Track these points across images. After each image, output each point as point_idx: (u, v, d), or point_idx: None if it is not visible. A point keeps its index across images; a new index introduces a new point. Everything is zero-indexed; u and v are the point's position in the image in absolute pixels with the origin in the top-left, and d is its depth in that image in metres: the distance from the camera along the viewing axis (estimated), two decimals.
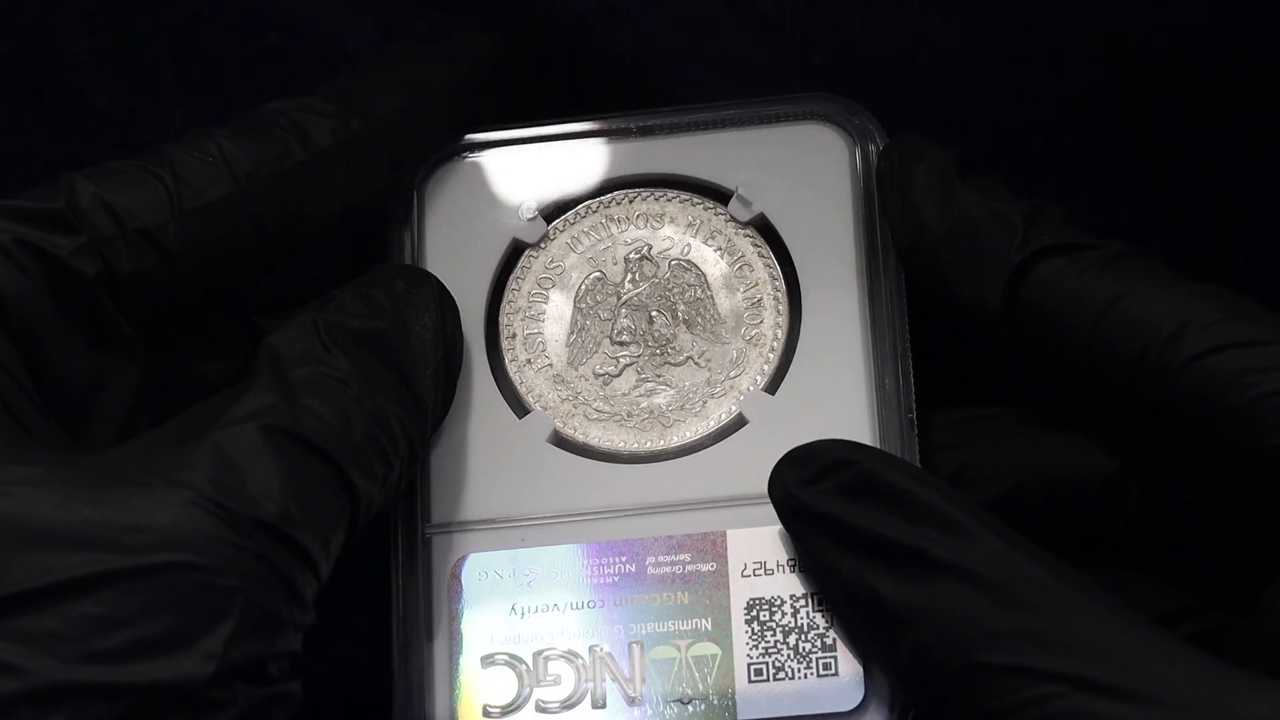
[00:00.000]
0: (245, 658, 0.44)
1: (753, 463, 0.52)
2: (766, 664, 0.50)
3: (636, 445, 0.54)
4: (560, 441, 0.54)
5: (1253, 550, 0.50)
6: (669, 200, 0.56)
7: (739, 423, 0.54)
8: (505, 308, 0.56)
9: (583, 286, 0.56)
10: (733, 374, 0.54)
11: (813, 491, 0.49)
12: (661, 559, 0.52)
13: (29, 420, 0.47)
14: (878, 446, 0.52)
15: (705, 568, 0.52)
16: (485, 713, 0.51)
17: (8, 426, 0.46)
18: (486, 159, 0.57)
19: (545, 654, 0.51)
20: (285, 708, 0.45)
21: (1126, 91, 0.59)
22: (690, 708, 0.50)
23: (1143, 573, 0.53)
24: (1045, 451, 0.53)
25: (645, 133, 0.56)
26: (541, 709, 0.51)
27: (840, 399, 0.53)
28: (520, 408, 0.54)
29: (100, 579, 0.43)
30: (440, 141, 0.56)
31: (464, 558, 0.52)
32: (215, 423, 0.47)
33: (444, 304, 0.53)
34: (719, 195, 0.56)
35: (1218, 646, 0.47)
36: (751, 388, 0.54)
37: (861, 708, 0.50)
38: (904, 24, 0.59)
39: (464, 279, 0.55)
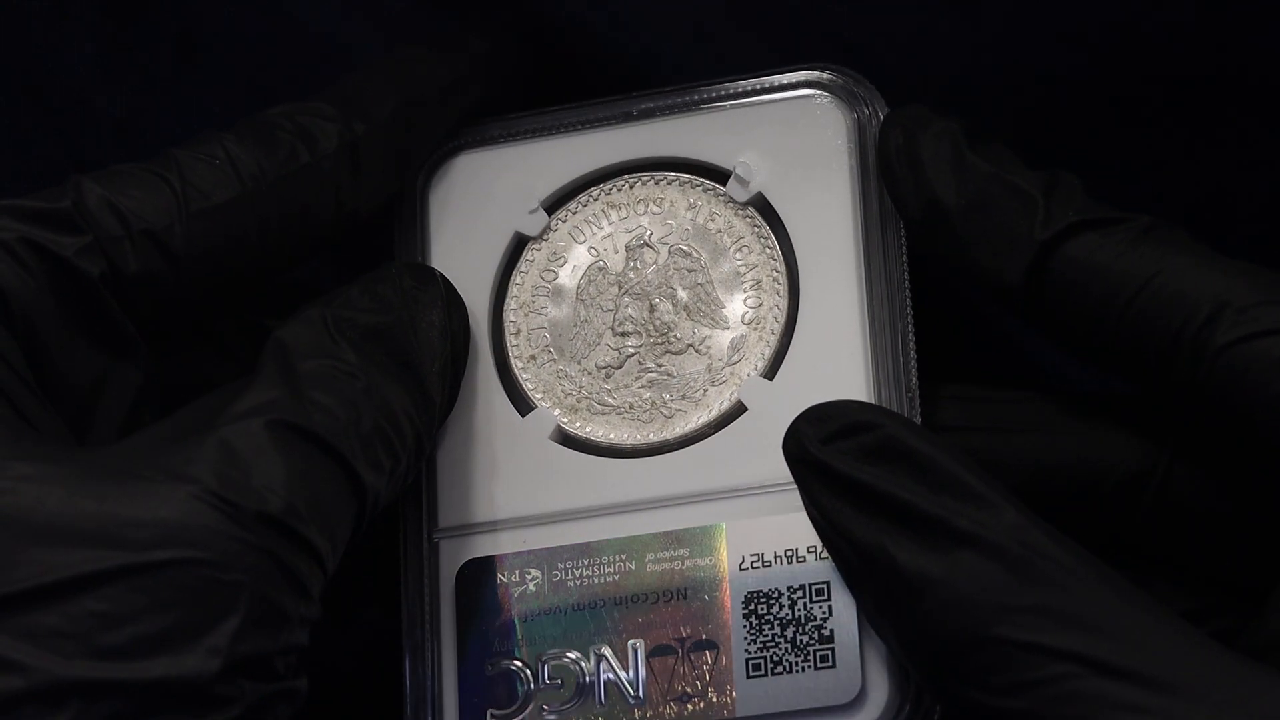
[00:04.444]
0: (251, 653, 0.44)
1: (751, 452, 0.52)
2: (764, 658, 0.50)
3: (639, 438, 0.54)
4: (563, 438, 0.54)
5: (1270, 548, 0.50)
6: (668, 184, 0.56)
7: (739, 410, 0.53)
8: (509, 303, 0.56)
9: (585, 277, 0.56)
10: (733, 359, 0.54)
11: (831, 450, 0.48)
12: (660, 555, 0.52)
13: (33, 417, 0.48)
14: None
15: (703, 562, 0.52)
16: (490, 715, 0.51)
17: (12, 422, 0.47)
18: (487, 153, 0.57)
19: (548, 656, 0.52)
20: (290, 704, 0.45)
21: (1127, 91, 0.59)
22: (690, 705, 0.51)
23: (1157, 572, 0.53)
24: (1062, 443, 0.53)
25: (643, 115, 0.56)
26: (544, 712, 0.51)
27: (839, 379, 0.52)
28: (524, 405, 0.55)
29: (104, 575, 0.43)
30: (441, 142, 0.56)
31: (469, 561, 0.53)
32: (220, 417, 0.47)
33: (451, 301, 0.53)
34: (718, 175, 0.56)
35: (1231, 645, 0.47)
36: (751, 373, 0.54)
37: (859, 700, 0.50)
38: (905, 24, 0.59)
39: (468, 275, 0.55)
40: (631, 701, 0.51)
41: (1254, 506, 0.51)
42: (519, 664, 0.52)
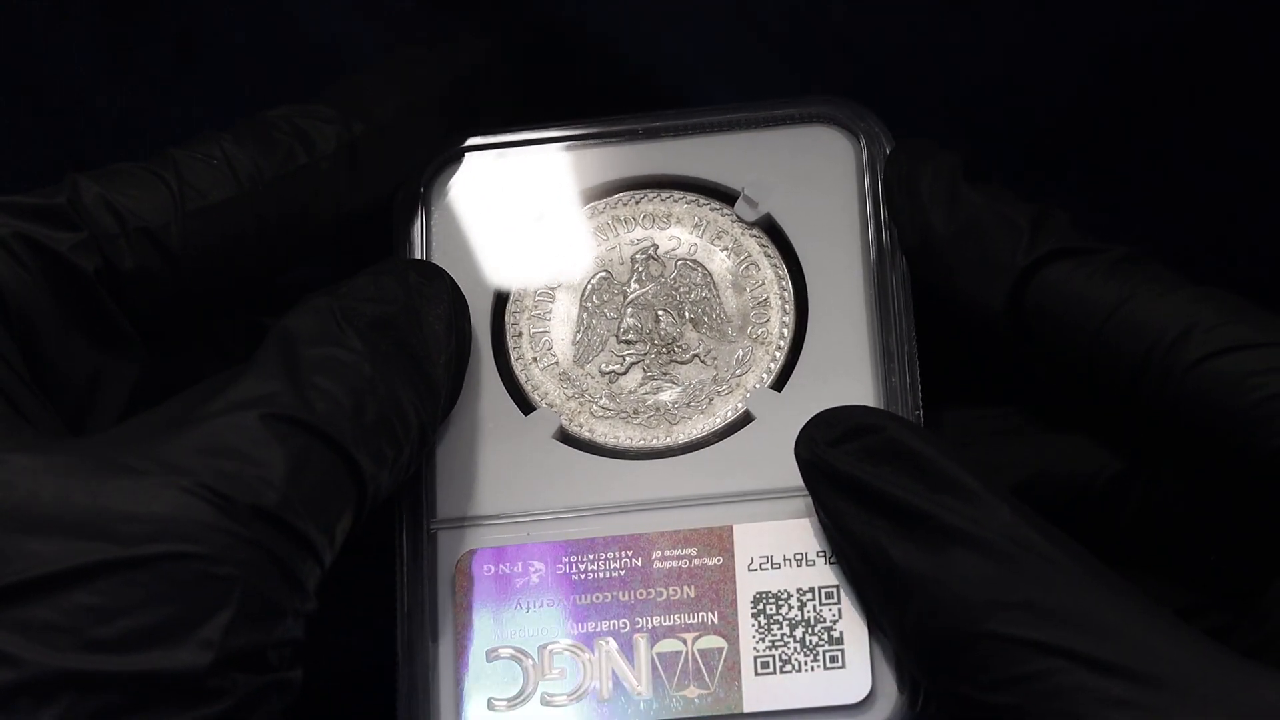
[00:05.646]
0: (244, 646, 0.44)
1: (760, 459, 0.52)
2: (773, 657, 0.50)
3: (643, 442, 0.54)
4: (566, 438, 0.54)
5: (1254, 551, 0.50)
6: (675, 201, 0.56)
7: (745, 419, 0.53)
8: (512, 307, 0.56)
9: (589, 286, 0.56)
10: (739, 372, 0.54)
11: (838, 452, 0.49)
12: (668, 553, 0.52)
13: (29, 412, 0.47)
14: None
15: (712, 562, 0.51)
16: (490, 706, 0.51)
17: (7, 416, 0.46)
18: (494, 160, 0.57)
19: (551, 648, 0.51)
20: (285, 695, 0.45)
21: (1127, 93, 0.59)
22: (697, 701, 0.50)
23: (1145, 572, 0.53)
24: (1049, 450, 0.54)
25: (652, 135, 0.56)
26: (547, 703, 0.51)
27: (847, 396, 0.53)
28: (526, 405, 0.54)
29: (97, 569, 0.43)
30: (441, 144, 0.56)
31: (469, 553, 0.52)
32: (216, 407, 0.46)
33: (455, 298, 0.53)
34: (725, 196, 0.56)
35: (1223, 644, 0.46)
36: (758, 385, 0.54)
37: (869, 700, 0.49)
38: (905, 25, 0.59)
39: (471, 278, 0.55)
40: (636, 695, 0.50)
41: (1234, 512, 0.51)
42: (520, 653, 0.51)
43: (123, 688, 0.43)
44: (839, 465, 0.49)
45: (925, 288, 0.53)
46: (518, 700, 0.51)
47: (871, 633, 0.50)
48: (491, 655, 0.51)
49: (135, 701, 0.43)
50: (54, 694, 0.42)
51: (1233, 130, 0.60)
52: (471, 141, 0.57)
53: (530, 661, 0.51)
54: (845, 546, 0.50)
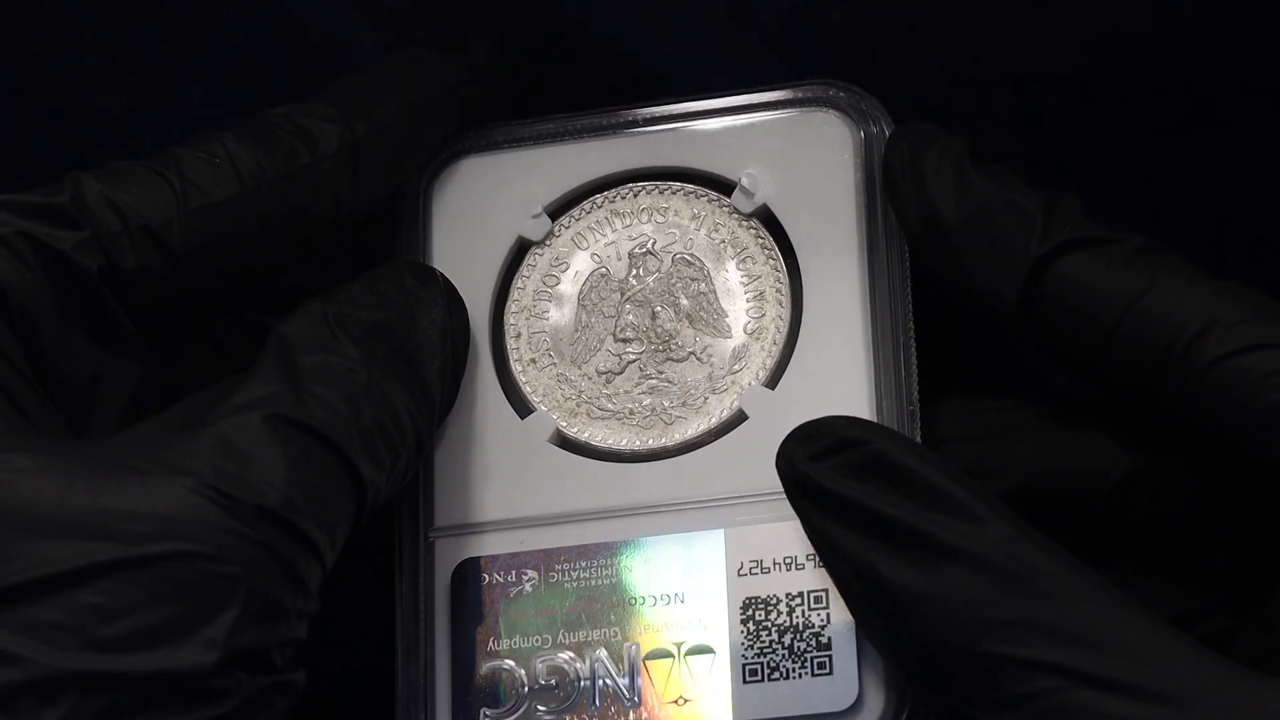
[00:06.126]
0: (248, 646, 0.44)
1: (751, 459, 0.52)
2: (762, 664, 0.50)
3: (638, 444, 0.54)
4: (563, 442, 0.54)
5: (1263, 554, 0.50)
6: (673, 193, 0.56)
7: (739, 418, 0.53)
8: (510, 307, 0.56)
9: (587, 283, 0.56)
10: (735, 368, 0.54)
11: (820, 468, 0.49)
12: (659, 559, 0.52)
13: (31, 411, 0.48)
14: None
15: (702, 567, 0.51)
16: (484, 715, 0.51)
17: (10, 416, 0.47)
18: (491, 157, 0.57)
19: (543, 656, 0.51)
20: (288, 696, 0.45)
21: (1127, 93, 0.59)
22: (685, 709, 0.50)
23: (1152, 574, 0.53)
24: (1057, 448, 0.53)
25: (649, 124, 0.56)
26: (538, 713, 0.51)
27: (841, 391, 0.52)
28: (524, 407, 0.54)
29: (101, 568, 0.43)
30: (442, 143, 0.56)
31: (465, 561, 0.52)
32: (218, 410, 0.47)
33: (451, 301, 0.54)
34: (723, 186, 0.56)
35: (1226, 649, 0.46)
36: (752, 382, 0.54)
37: (856, 707, 0.49)
38: (905, 25, 0.59)
39: (470, 278, 0.55)
40: (627, 704, 0.51)
41: (1245, 515, 0.51)
42: (514, 664, 0.51)
43: (127, 687, 0.43)
44: (822, 482, 0.48)
45: (929, 277, 0.53)
46: (511, 710, 0.51)
47: (860, 638, 0.50)
48: (486, 664, 0.51)
49: (139, 701, 0.43)
50: (58, 694, 0.43)
51: (1233, 130, 0.59)
52: (471, 140, 0.57)
53: (522, 671, 0.51)
54: (835, 564, 0.49)
